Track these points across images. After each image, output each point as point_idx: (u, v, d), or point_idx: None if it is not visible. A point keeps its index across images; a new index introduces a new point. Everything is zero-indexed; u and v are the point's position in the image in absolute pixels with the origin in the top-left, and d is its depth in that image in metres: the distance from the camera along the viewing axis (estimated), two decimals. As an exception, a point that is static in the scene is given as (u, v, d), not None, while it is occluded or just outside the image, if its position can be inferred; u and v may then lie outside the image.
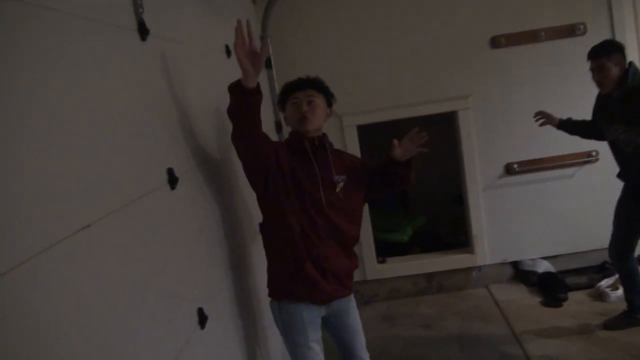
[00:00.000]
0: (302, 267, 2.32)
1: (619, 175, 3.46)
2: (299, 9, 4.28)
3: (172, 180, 1.86)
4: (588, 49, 4.16)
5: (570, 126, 3.66)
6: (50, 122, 1.21)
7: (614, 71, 3.18)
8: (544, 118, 3.69)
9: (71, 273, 1.19)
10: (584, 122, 3.63)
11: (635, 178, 3.37)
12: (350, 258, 2.52)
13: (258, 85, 2.17)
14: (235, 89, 2.14)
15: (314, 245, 2.34)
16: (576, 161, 4.42)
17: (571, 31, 4.28)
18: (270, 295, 2.49)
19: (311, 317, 2.39)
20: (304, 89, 2.48)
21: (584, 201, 4.45)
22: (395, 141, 2.48)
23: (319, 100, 2.50)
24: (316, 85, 2.52)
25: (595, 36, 4.09)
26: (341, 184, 2.45)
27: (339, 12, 4.30)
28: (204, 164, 2.31)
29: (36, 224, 1.09)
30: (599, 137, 3.55)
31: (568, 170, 4.46)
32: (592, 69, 3.30)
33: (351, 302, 2.56)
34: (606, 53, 3.21)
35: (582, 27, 4.27)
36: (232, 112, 2.19)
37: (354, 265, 2.54)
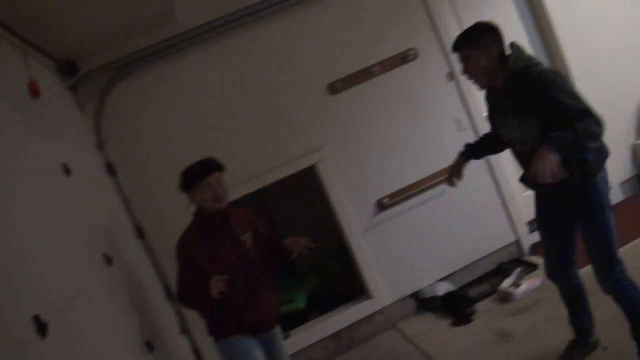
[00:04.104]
0: (242, 317, 3.01)
1: (522, 180, 3.03)
2: (130, 108, 4.29)
3: (42, 329, 1.82)
4: (424, 71, 4.66)
5: (475, 151, 3.25)
6: None
7: (483, 60, 2.75)
8: (453, 175, 3.25)
9: None
10: (485, 136, 3.28)
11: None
12: (274, 295, 3.22)
13: None
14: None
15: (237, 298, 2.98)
16: (442, 178, 4.60)
17: (403, 59, 4.68)
18: (215, 338, 3.11)
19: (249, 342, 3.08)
20: (213, 173, 3.01)
21: (460, 213, 4.79)
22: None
23: (224, 179, 3.08)
24: (218, 167, 3.07)
25: (429, 57, 4.66)
26: (250, 240, 3.11)
27: (171, 99, 4.35)
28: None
29: None
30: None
31: (437, 189, 4.76)
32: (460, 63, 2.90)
33: (276, 331, 3.28)
34: (470, 40, 2.78)
35: (412, 52, 4.68)
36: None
37: (278, 303, 3.28)
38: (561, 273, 3.13)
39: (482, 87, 2.93)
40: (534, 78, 2.63)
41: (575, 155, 2.51)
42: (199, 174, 3.02)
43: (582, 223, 2.87)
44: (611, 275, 2.82)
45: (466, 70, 2.87)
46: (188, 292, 3.01)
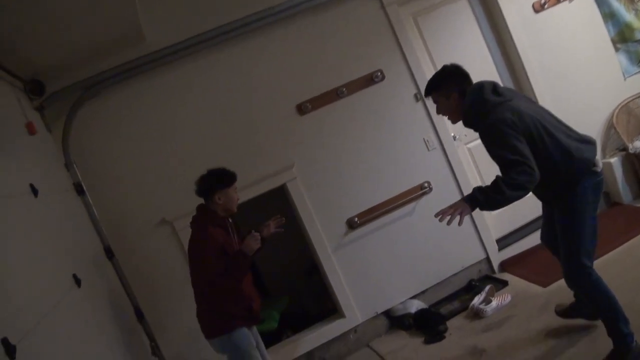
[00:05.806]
0: (250, 307, 3.46)
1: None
2: (99, 128, 4.28)
3: (10, 352, 1.80)
4: (390, 91, 4.76)
5: (484, 193, 2.89)
6: None
7: (448, 103, 3.15)
8: (449, 215, 2.96)
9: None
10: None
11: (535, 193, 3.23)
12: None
13: None
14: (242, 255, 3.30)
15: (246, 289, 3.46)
16: (412, 196, 4.83)
17: (370, 80, 4.76)
18: (223, 332, 3.40)
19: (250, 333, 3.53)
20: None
21: (431, 231, 4.81)
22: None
23: None
24: None
25: (395, 79, 4.77)
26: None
27: (140, 118, 4.35)
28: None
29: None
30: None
31: (407, 208, 4.85)
32: None
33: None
34: (434, 87, 3.18)
35: (379, 73, 4.77)
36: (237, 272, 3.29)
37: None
38: (550, 249, 3.44)
39: (453, 122, 3.29)
40: (480, 128, 3.03)
41: (490, 207, 2.92)
42: (233, 176, 3.47)
43: (557, 220, 3.14)
44: (574, 271, 3.05)
45: (438, 111, 3.28)
46: (219, 277, 3.24)
